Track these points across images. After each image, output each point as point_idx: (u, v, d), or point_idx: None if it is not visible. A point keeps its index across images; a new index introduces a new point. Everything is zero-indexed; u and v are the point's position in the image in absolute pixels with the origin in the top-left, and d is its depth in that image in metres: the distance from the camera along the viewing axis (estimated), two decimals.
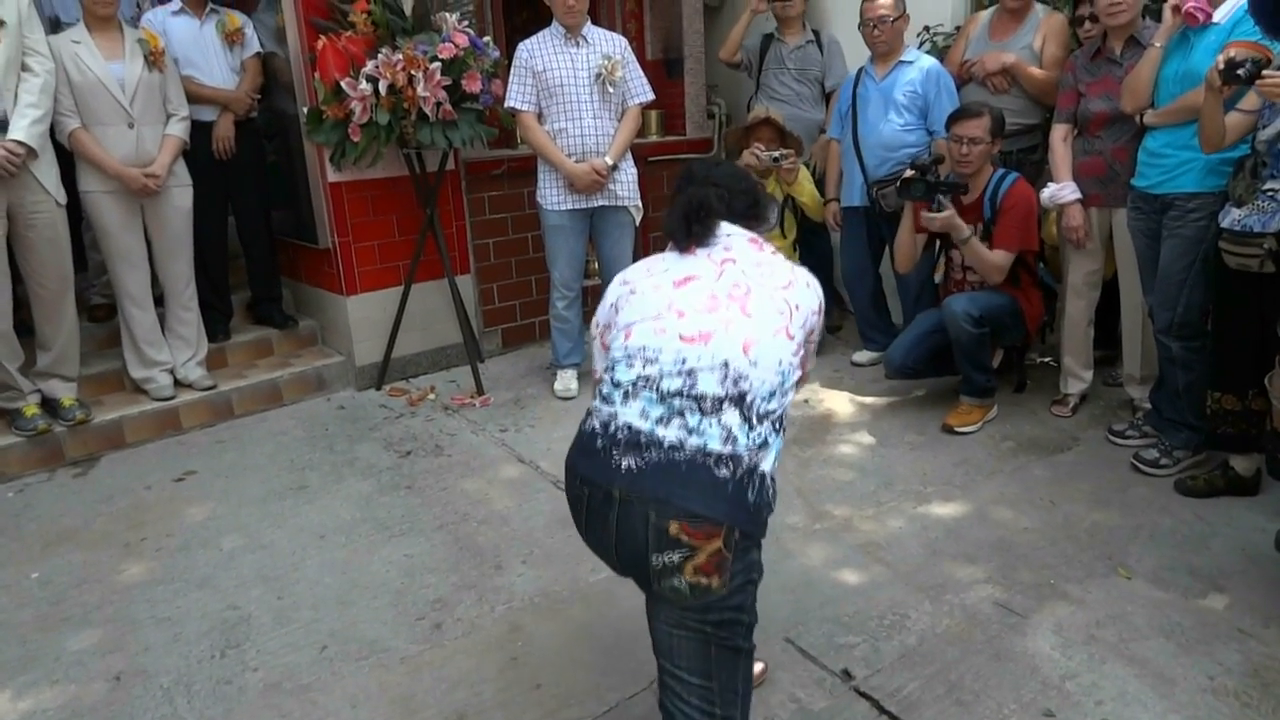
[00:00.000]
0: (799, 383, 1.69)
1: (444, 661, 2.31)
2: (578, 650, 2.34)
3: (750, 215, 1.79)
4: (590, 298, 4.49)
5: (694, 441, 1.50)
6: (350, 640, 2.41)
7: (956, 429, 3.50)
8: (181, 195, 3.76)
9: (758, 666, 2.09)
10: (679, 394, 1.52)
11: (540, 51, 3.73)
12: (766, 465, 1.53)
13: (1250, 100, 2.58)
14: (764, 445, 1.53)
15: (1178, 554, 2.65)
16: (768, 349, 1.57)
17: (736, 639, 1.57)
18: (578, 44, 3.75)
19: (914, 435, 3.55)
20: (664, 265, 1.71)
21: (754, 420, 1.52)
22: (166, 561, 2.84)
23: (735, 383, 1.53)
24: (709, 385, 1.52)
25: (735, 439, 1.50)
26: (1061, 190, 3.33)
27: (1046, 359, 4.11)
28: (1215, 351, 2.81)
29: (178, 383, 3.89)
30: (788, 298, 1.64)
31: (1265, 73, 2.33)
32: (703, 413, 1.51)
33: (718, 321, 1.57)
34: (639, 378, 1.56)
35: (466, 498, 3.19)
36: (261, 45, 4.14)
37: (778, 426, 1.56)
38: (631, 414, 1.54)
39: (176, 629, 2.48)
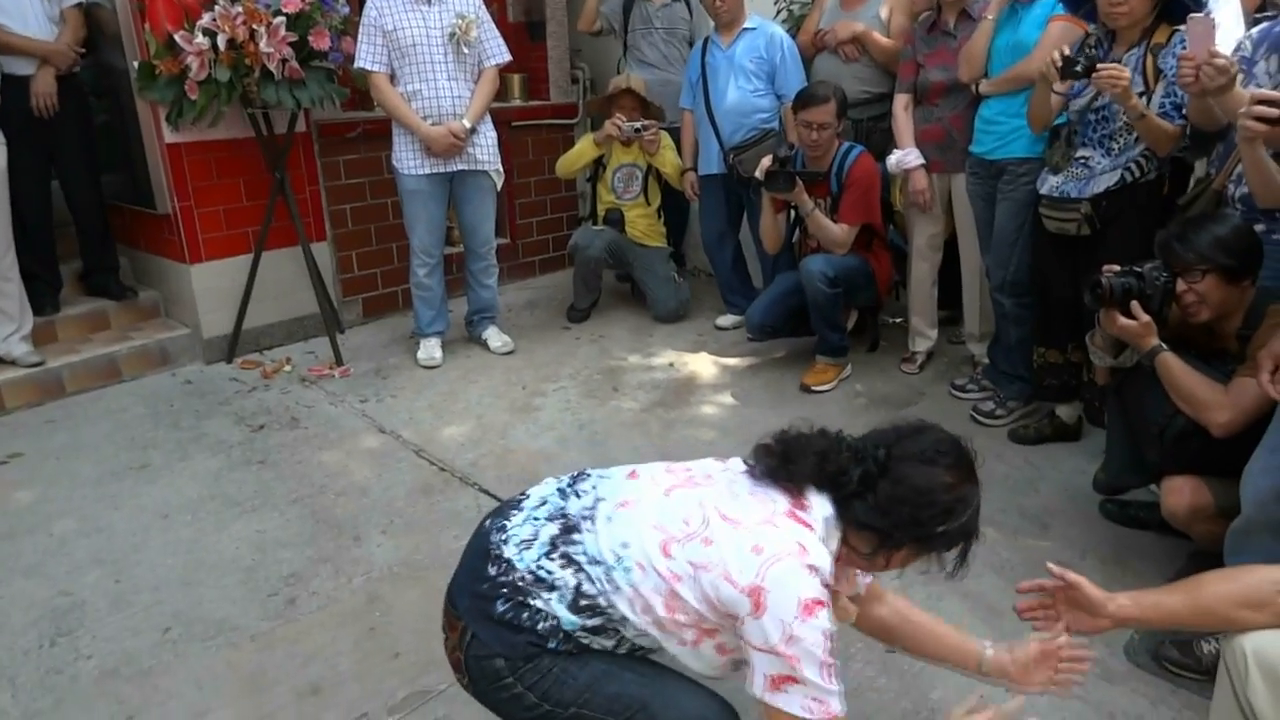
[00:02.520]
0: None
1: (298, 636, 2.25)
2: (439, 617, 2.31)
3: (868, 527, 1.32)
4: (453, 265, 4.42)
5: (511, 533, 1.41)
6: (196, 621, 2.30)
7: (813, 388, 3.63)
8: None
9: None
10: (563, 493, 1.45)
11: (390, 9, 3.59)
12: (545, 609, 1.33)
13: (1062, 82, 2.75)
14: (550, 588, 1.33)
15: (1010, 497, 2.84)
16: (630, 525, 1.35)
17: (552, 717, 1.37)
18: (429, 2, 3.63)
19: (773, 395, 3.66)
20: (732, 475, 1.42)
21: (559, 555, 1.35)
22: None
23: (581, 517, 1.38)
24: (575, 503, 1.41)
25: (526, 552, 1.37)
26: (906, 156, 3.48)
27: (898, 319, 4.30)
28: (1039, 309, 3.01)
29: (0, 360, 3.59)
30: (714, 524, 1.30)
31: (1099, 66, 2.48)
32: (546, 517, 1.41)
33: (653, 479, 1.42)
34: (590, 472, 1.51)
35: (324, 470, 3.09)
36: None
37: (583, 606, 1.33)
38: (543, 487, 1.50)
39: None
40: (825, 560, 1.28)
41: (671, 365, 3.98)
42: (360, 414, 3.54)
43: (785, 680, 1.24)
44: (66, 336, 3.95)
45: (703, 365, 3.99)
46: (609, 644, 1.36)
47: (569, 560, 1.34)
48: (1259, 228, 2.25)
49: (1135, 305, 2.18)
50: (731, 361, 4.02)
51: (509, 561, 1.37)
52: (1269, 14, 2.63)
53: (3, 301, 3.59)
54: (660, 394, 3.67)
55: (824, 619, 1.24)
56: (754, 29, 4.01)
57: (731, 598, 1.25)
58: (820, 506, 1.32)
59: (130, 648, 2.20)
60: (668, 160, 4.35)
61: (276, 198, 3.95)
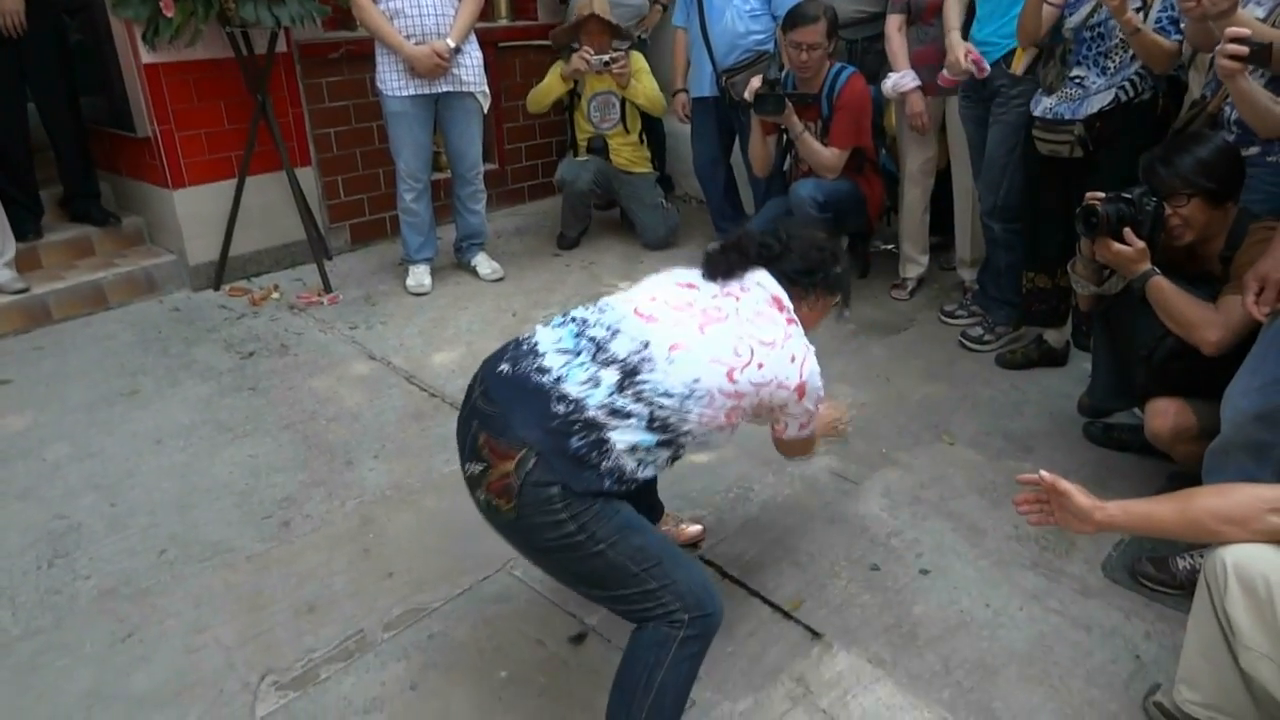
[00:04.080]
0: (783, 450, 1.88)
1: (293, 557, 2.28)
2: (431, 538, 2.36)
3: (796, 280, 1.71)
4: (440, 190, 4.36)
5: (560, 374, 1.53)
6: (192, 543, 2.34)
7: None
8: None
9: (695, 528, 2.32)
10: (592, 340, 1.57)
11: None
12: (618, 437, 1.49)
13: None
14: (625, 417, 1.49)
15: (995, 421, 2.88)
16: (694, 364, 1.53)
17: (577, 553, 1.50)
18: None
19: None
20: (688, 273, 1.72)
21: (629, 393, 1.50)
22: None
23: (639, 360, 1.52)
24: (619, 347, 1.55)
25: (594, 390, 1.50)
26: (902, 79, 3.41)
27: (889, 246, 4.28)
28: (1029, 233, 3.00)
29: None
30: (758, 351, 1.57)
31: None
32: (592, 360, 1.54)
33: (672, 319, 1.58)
34: (580, 317, 1.64)
35: (315, 396, 3.10)
36: None
37: (656, 426, 1.51)
38: (547, 335, 1.62)
39: None
40: (801, 342, 1.65)
41: None
42: (350, 341, 3.53)
43: (809, 421, 1.74)
44: (51, 263, 3.90)
45: None
46: (666, 455, 1.58)
47: (638, 396, 1.50)
48: (1253, 149, 2.24)
49: (1128, 232, 2.17)
50: None
51: (577, 401, 1.49)
52: None
53: None
54: None
55: (816, 376, 1.66)
56: None
57: (785, 398, 1.62)
58: (768, 282, 1.66)
59: (128, 568, 2.24)
60: (642, 93, 4.26)
61: (259, 121, 3.87)
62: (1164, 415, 2.22)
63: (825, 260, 1.75)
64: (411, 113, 3.72)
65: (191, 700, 1.85)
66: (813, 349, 1.66)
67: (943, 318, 3.57)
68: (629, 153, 4.46)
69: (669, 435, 1.54)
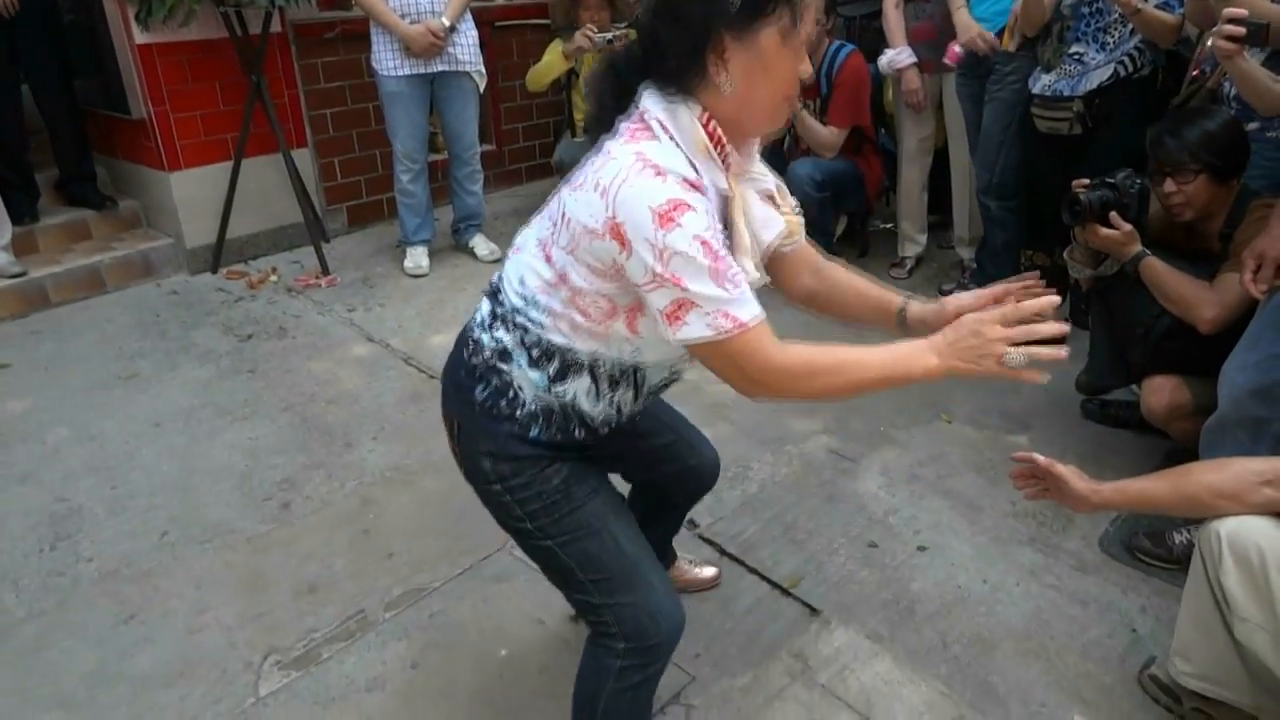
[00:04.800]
0: (744, 387, 1.20)
1: (293, 539, 2.29)
2: (430, 519, 2.36)
3: (681, 56, 1.15)
4: (437, 172, 4.34)
5: (472, 312, 1.38)
6: (193, 525, 2.35)
7: None
8: None
9: (709, 572, 2.10)
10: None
11: None
12: (514, 378, 1.28)
13: None
14: (504, 355, 1.28)
15: (993, 399, 2.88)
16: (520, 261, 1.29)
17: (527, 536, 1.36)
18: None
19: (762, 302, 3.65)
20: None
21: (497, 318, 1.31)
22: None
23: (500, 278, 1.33)
24: (501, 274, 1.34)
25: (483, 328, 1.32)
26: (899, 55, 3.39)
27: (888, 224, 4.27)
28: (1027, 210, 3.00)
29: None
30: (566, 198, 1.19)
31: None
32: (487, 293, 1.37)
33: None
34: None
35: (313, 378, 3.10)
36: None
37: (529, 353, 1.27)
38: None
39: None
40: (673, 157, 1.14)
41: None
42: (348, 323, 3.53)
43: (680, 307, 1.12)
44: (47, 246, 3.90)
45: None
46: (585, 383, 1.28)
47: (503, 321, 1.29)
48: (1252, 125, 2.23)
49: (1114, 216, 2.18)
50: None
51: (478, 341, 1.32)
52: None
53: None
54: None
55: (693, 223, 1.10)
56: None
57: (603, 249, 1.14)
58: (650, 102, 1.18)
59: (129, 550, 2.25)
60: None
61: (254, 102, 3.85)
62: (1160, 392, 2.22)
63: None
64: (407, 93, 3.70)
65: (194, 680, 1.86)
66: (667, 172, 1.11)
67: (942, 295, 3.56)
68: None
69: (555, 363, 1.26)
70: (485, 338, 1.31)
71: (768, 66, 1.14)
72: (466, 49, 3.71)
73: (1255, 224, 2.01)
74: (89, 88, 4.04)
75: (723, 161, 1.19)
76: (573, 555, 1.34)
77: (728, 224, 1.22)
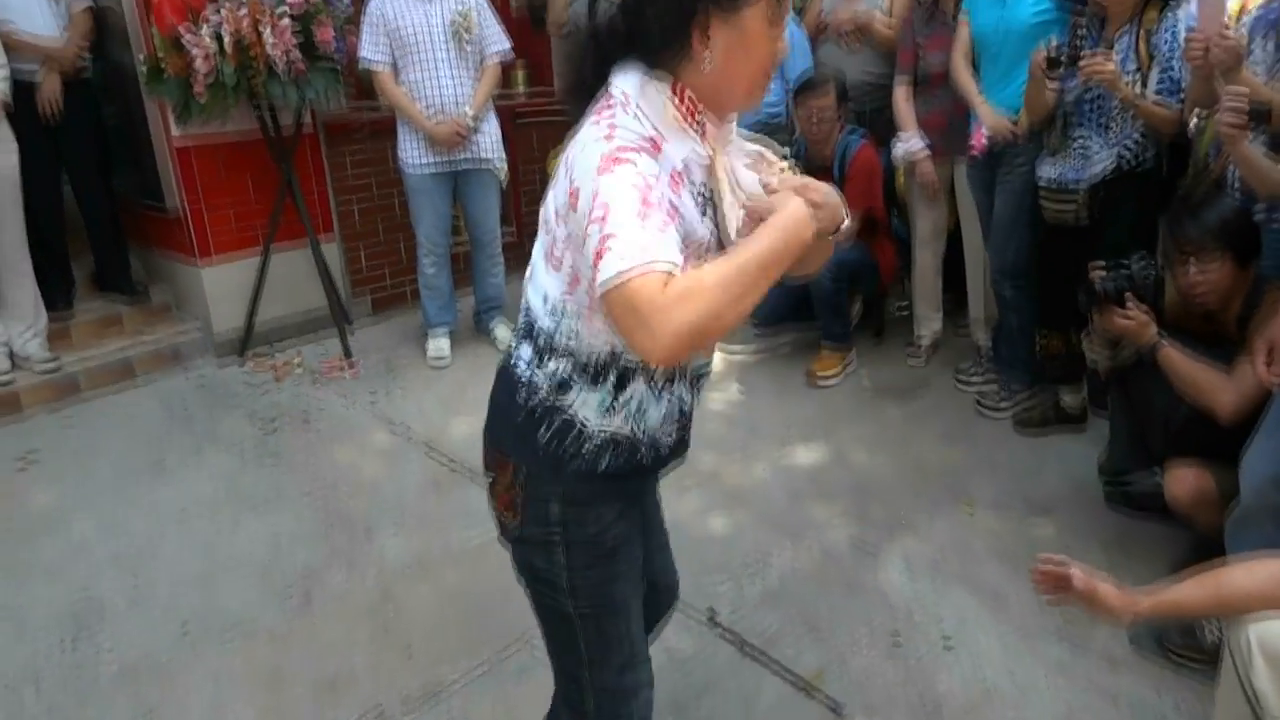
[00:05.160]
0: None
1: (313, 633, 2.29)
2: (450, 612, 2.36)
3: (663, 31, 1.16)
4: (460, 260, 4.44)
5: (512, 354, 1.33)
6: (213, 618, 2.35)
7: (820, 378, 3.65)
8: (4, 158, 3.48)
9: None
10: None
11: (392, 4, 3.61)
12: (578, 411, 1.26)
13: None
14: (565, 386, 1.26)
15: (1014, 485, 2.86)
16: (534, 286, 1.28)
17: (552, 599, 1.35)
18: None
19: (779, 386, 3.68)
20: None
21: (542, 353, 1.27)
22: (8, 552, 2.68)
23: (526, 312, 1.31)
24: (524, 308, 1.32)
25: (530, 367, 1.29)
26: (911, 144, 3.47)
27: (903, 307, 4.31)
28: (1040, 294, 3.02)
29: (15, 361, 3.64)
30: (549, 199, 1.22)
31: (1083, 57, 2.50)
32: (520, 334, 1.33)
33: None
34: None
35: (336, 468, 3.13)
36: None
37: (587, 372, 1.25)
38: None
39: (20, 621, 2.37)
40: (632, 123, 1.14)
41: None
42: (371, 411, 3.58)
43: (603, 243, 1.05)
44: (80, 337, 3.99)
45: None
46: (642, 387, 1.26)
47: (550, 351, 1.26)
48: (1258, 215, 2.26)
49: (1130, 301, 2.19)
50: (738, 355, 4.02)
51: (530, 383, 1.28)
52: None
53: (17, 299, 3.64)
54: None
55: (630, 170, 1.08)
56: None
57: (574, 221, 1.13)
58: (618, 79, 1.19)
59: (149, 645, 2.25)
60: None
61: (284, 195, 3.98)
62: (1183, 481, 2.20)
63: None
64: (432, 185, 3.81)
65: None
66: (618, 131, 1.13)
67: (958, 379, 3.58)
68: None
69: (613, 373, 1.25)
70: (538, 376, 1.28)
71: (749, 46, 1.16)
72: (489, 142, 3.83)
73: (1269, 312, 2.02)
74: (126, 182, 4.21)
75: (700, 131, 1.21)
76: (588, 629, 1.34)
77: (709, 195, 1.23)
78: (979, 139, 3.19)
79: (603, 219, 1.06)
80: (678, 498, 2.86)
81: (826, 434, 3.25)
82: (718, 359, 3.97)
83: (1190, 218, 2.21)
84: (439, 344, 4.05)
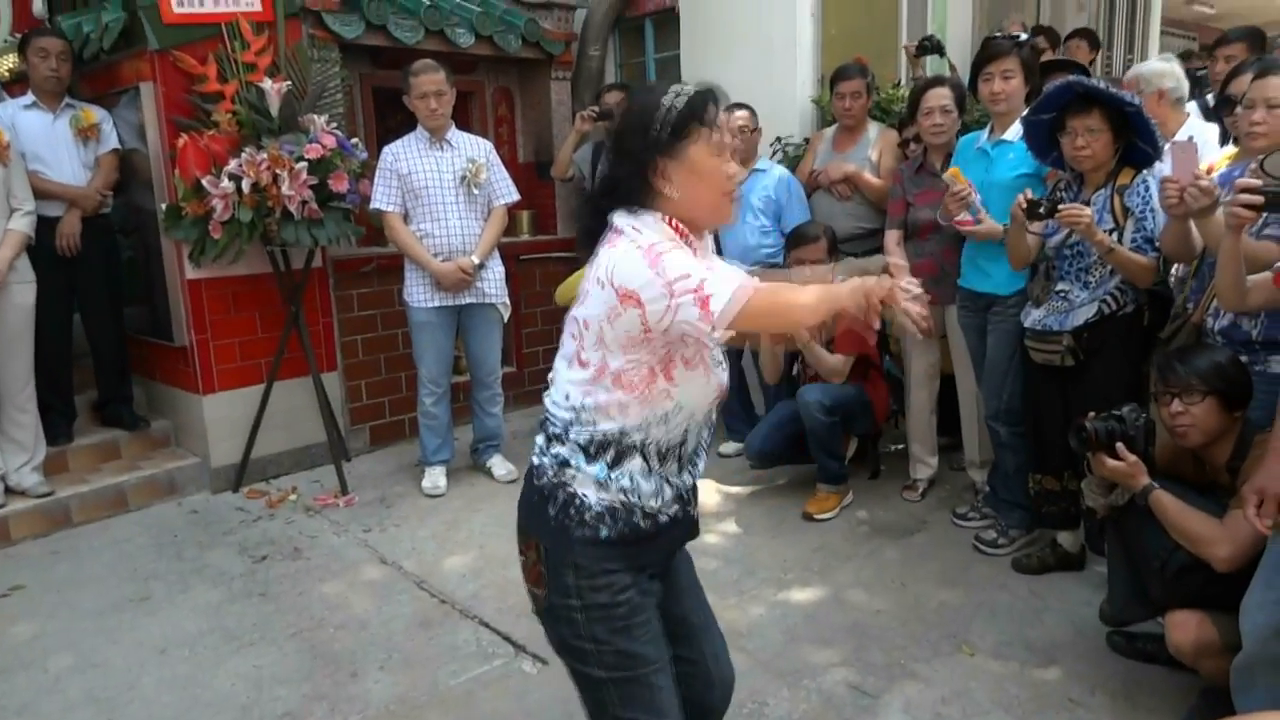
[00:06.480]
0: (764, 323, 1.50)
1: None
2: None
3: (631, 177, 1.48)
4: (460, 394, 4.50)
5: (533, 449, 1.63)
6: None
7: (815, 516, 3.63)
8: (22, 293, 3.60)
9: None
10: None
11: (405, 154, 3.81)
12: (577, 486, 1.52)
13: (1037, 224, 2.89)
14: (564, 464, 1.53)
15: (1015, 629, 2.80)
16: (559, 381, 1.57)
17: (582, 666, 1.56)
18: (441, 147, 3.85)
19: (776, 523, 3.66)
20: None
21: (551, 440, 1.57)
22: None
23: (546, 414, 1.60)
24: (545, 412, 1.62)
25: (542, 454, 1.58)
26: None
27: (899, 446, 4.33)
28: (1032, 437, 3.05)
29: (9, 490, 3.64)
30: (578, 313, 1.50)
31: (1061, 206, 2.64)
32: (540, 433, 1.62)
33: None
34: None
35: (324, 602, 3.08)
36: (121, 142, 4.08)
37: (587, 451, 1.52)
38: None
39: None
40: (648, 234, 1.44)
41: None
42: (363, 544, 3.54)
43: (699, 293, 1.35)
44: (77, 466, 4.00)
45: (705, 493, 4.00)
46: (638, 463, 1.52)
47: (558, 439, 1.55)
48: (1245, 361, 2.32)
49: (1120, 447, 2.23)
50: (734, 489, 4.03)
51: (540, 466, 1.57)
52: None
53: (17, 433, 3.67)
54: None
55: (675, 252, 1.40)
56: (764, 170, 4.20)
57: (627, 319, 1.41)
58: (618, 219, 1.48)
59: None
60: None
61: (290, 330, 4.08)
62: (1184, 629, 2.17)
63: (646, 123, 1.45)
64: (436, 323, 3.92)
65: None
66: (640, 233, 1.45)
67: (955, 520, 3.56)
68: None
69: (610, 451, 1.51)
70: (546, 460, 1.56)
71: (700, 174, 1.46)
72: (493, 283, 3.96)
73: (1257, 460, 2.05)
74: (135, 315, 4.31)
75: (691, 247, 1.49)
76: (618, 692, 1.54)
77: None
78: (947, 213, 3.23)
79: (685, 278, 1.36)
80: None
81: (823, 573, 3.20)
82: (712, 493, 3.96)
83: (1179, 361, 2.27)
84: (435, 478, 4.05)
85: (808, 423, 3.58)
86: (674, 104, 1.44)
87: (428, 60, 3.86)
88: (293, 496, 4.03)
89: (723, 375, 1.57)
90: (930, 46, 4.55)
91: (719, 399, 1.58)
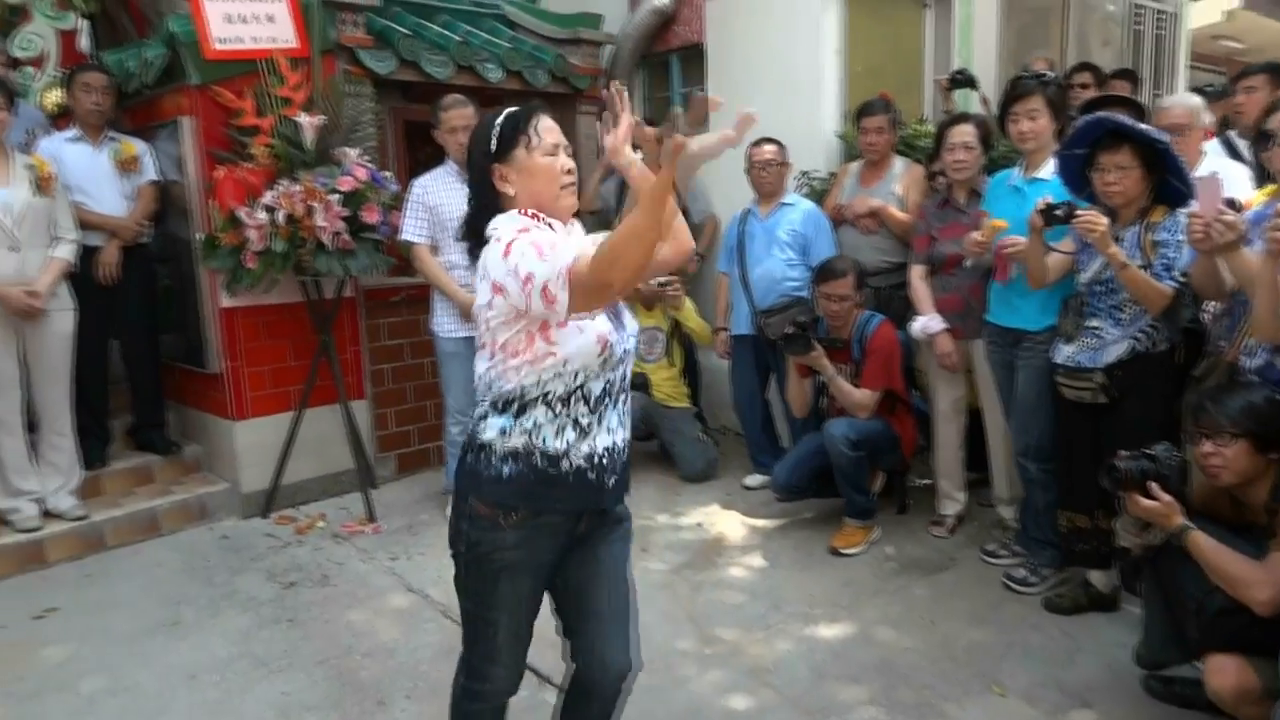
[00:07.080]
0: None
1: None
2: None
3: (477, 203, 1.83)
4: None
5: None
6: None
7: (842, 550, 3.61)
8: (62, 319, 3.68)
9: None
10: None
11: (434, 187, 3.87)
12: (487, 435, 1.76)
13: (1066, 243, 2.89)
14: (481, 418, 1.78)
15: (1047, 670, 2.76)
16: (478, 371, 1.80)
17: (461, 600, 1.90)
18: None
19: (802, 557, 3.64)
20: None
21: (475, 408, 1.83)
22: (14, 709, 2.64)
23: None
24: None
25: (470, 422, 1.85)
26: (930, 322, 3.59)
27: (927, 481, 4.30)
28: (1063, 474, 3.02)
29: (47, 513, 3.70)
30: (475, 308, 1.77)
31: (1078, 212, 2.66)
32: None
33: None
34: None
35: (351, 630, 3.09)
36: (161, 174, 4.17)
37: (495, 406, 1.75)
38: None
39: None
40: (504, 229, 1.70)
41: (700, 525, 3.98)
42: (390, 571, 3.56)
43: (542, 288, 1.59)
44: (111, 490, 4.06)
45: (731, 525, 3.99)
46: (542, 410, 1.73)
47: (481, 414, 1.81)
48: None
49: (1155, 487, 2.21)
50: (760, 522, 4.01)
51: (468, 429, 1.86)
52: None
53: (56, 456, 3.74)
54: (689, 555, 3.66)
55: (524, 238, 1.64)
56: (791, 204, 4.24)
57: (500, 305, 1.67)
58: (491, 224, 1.75)
59: None
60: (691, 317, 4.55)
61: (321, 358, 4.13)
62: (1223, 674, 2.13)
63: (485, 138, 1.78)
64: (463, 353, 3.94)
65: None
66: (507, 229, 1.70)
67: (984, 557, 3.52)
68: (670, 387, 4.65)
69: (508, 404, 1.73)
70: (468, 423, 1.87)
71: (529, 171, 1.75)
72: None
73: None
74: (170, 342, 4.39)
75: (550, 228, 1.75)
76: (470, 627, 1.90)
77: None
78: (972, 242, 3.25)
79: (529, 278, 1.59)
80: (700, 672, 2.79)
81: (850, 609, 3.18)
82: (738, 525, 3.94)
83: (1211, 401, 2.26)
84: None
85: (834, 457, 3.57)
86: (499, 122, 1.77)
87: (457, 95, 3.93)
88: (321, 523, 4.06)
89: (601, 325, 1.72)
90: (963, 80, 4.57)
91: (603, 346, 1.71)
